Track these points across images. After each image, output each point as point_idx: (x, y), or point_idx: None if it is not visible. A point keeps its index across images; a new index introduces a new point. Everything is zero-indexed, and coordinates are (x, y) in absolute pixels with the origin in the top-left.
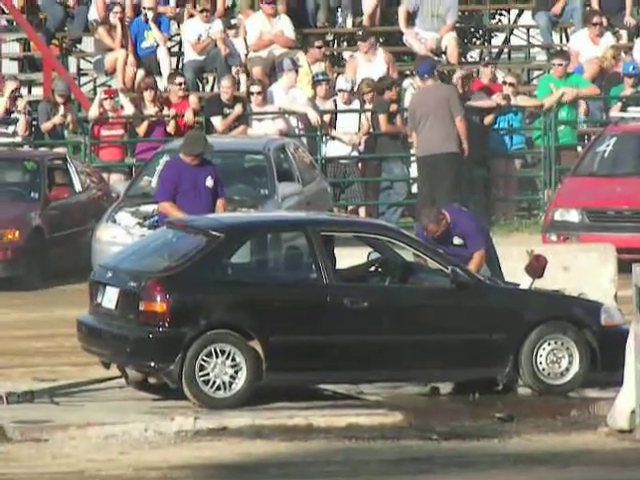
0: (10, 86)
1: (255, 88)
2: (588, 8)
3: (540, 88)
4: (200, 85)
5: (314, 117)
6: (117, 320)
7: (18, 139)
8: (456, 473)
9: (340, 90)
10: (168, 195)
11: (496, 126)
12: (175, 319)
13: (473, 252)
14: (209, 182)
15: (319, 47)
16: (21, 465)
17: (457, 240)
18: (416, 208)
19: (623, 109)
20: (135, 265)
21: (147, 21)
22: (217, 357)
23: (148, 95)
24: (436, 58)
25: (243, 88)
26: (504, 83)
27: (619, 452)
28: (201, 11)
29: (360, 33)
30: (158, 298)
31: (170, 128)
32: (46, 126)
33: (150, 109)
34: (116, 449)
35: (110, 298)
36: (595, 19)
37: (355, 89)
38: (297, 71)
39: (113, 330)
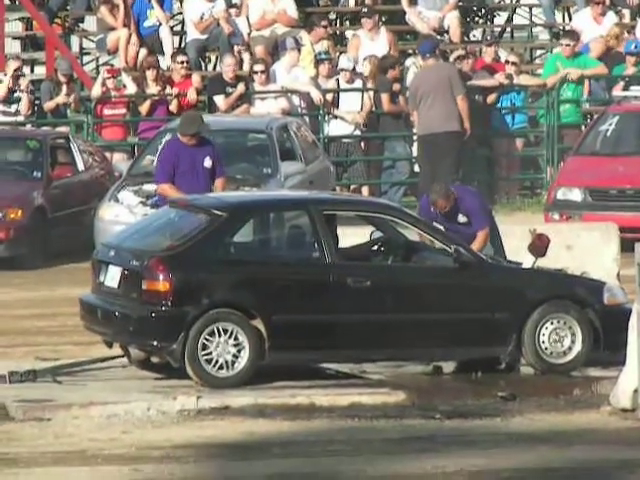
0: (13, 65)
1: (258, 67)
2: None
3: (547, 67)
4: (203, 64)
5: (317, 96)
6: (120, 299)
7: (21, 118)
8: (459, 452)
9: (342, 69)
10: (167, 176)
11: (499, 105)
12: (178, 298)
13: (477, 230)
14: (207, 162)
15: (324, 27)
16: (24, 444)
17: (462, 218)
18: (418, 187)
19: (626, 88)
20: (138, 244)
21: (150, 0)
22: (220, 336)
23: (150, 74)
24: (439, 37)
25: (246, 67)
26: (507, 62)
27: (622, 431)
28: None
29: (365, 10)
30: (161, 277)
31: (173, 107)
32: (49, 105)
33: (152, 88)
34: (119, 428)
35: (113, 277)
36: None
37: (358, 68)
38: (299, 50)
39: (116, 309)
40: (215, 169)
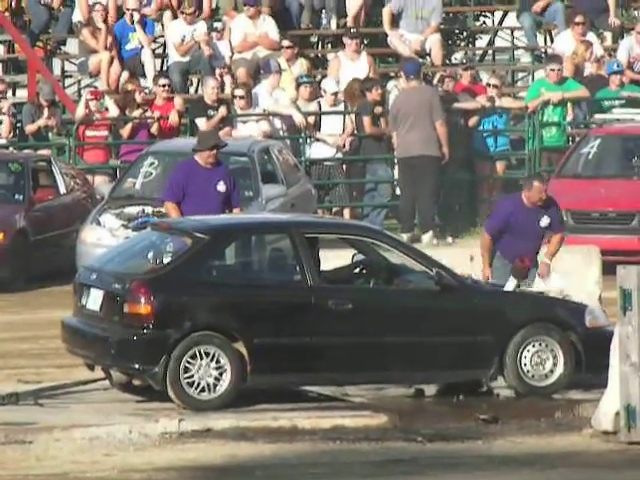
0: None
1: (238, 92)
2: (571, 9)
3: (530, 92)
4: (185, 87)
5: (299, 118)
6: (101, 322)
7: (2, 141)
8: (441, 475)
9: (329, 92)
10: (174, 196)
11: (480, 128)
12: (159, 321)
13: (556, 233)
14: (221, 187)
15: (288, 47)
16: (5, 467)
17: (545, 220)
18: (399, 209)
19: (608, 110)
20: (119, 267)
21: (133, 22)
22: (201, 359)
23: (139, 97)
24: (420, 60)
25: (228, 90)
26: (488, 85)
27: (604, 454)
28: (185, 13)
29: (352, 31)
30: (142, 300)
31: (154, 130)
32: (30, 128)
33: (135, 111)
34: (101, 451)
35: (94, 300)
36: (578, 19)
37: (340, 90)
38: (281, 72)
39: (97, 332)
40: (230, 195)
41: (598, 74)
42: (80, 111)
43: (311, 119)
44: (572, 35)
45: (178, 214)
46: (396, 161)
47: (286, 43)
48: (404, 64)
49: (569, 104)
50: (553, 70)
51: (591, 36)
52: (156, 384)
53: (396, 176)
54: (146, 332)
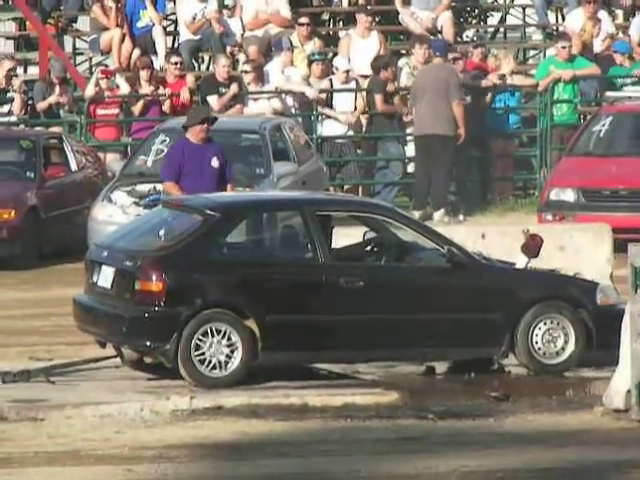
0: (6, 65)
1: (251, 67)
2: None
3: (540, 69)
4: (196, 65)
5: (312, 94)
6: (113, 299)
7: (14, 118)
8: (451, 452)
9: (344, 71)
10: (172, 174)
11: (492, 106)
12: (171, 298)
13: None
14: (215, 162)
15: (302, 24)
16: (17, 444)
17: None
18: (413, 186)
19: (619, 89)
20: (131, 244)
21: (143, 0)
22: (213, 336)
23: (144, 74)
24: (432, 37)
25: (239, 67)
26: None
27: (615, 432)
28: None
29: (367, 7)
30: (154, 277)
31: (166, 107)
32: (42, 105)
33: (146, 88)
34: (112, 428)
35: (106, 277)
36: None
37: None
38: (293, 50)
39: (109, 309)
40: (224, 170)
41: (609, 52)
42: (90, 89)
43: (323, 96)
44: (583, 13)
45: (179, 191)
46: (409, 139)
47: (303, 20)
48: (432, 41)
49: (580, 81)
50: (564, 47)
51: (602, 14)
52: (167, 362)
53: (408, 154)
54: (157, 309)
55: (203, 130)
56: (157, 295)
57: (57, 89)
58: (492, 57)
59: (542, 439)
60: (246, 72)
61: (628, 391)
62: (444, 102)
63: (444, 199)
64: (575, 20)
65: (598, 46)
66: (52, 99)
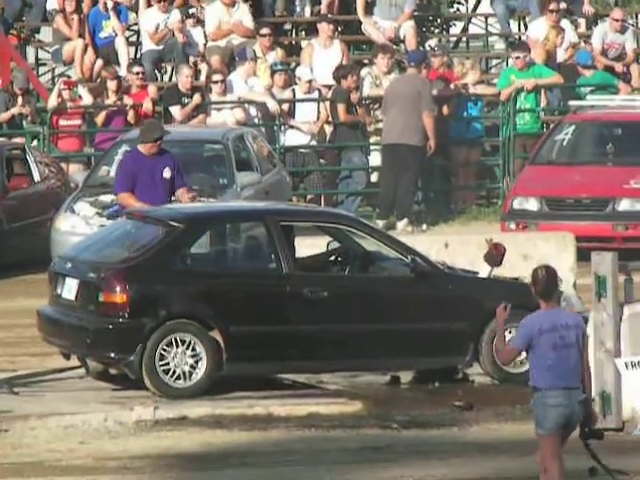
0: None
1: (217, 77)
2: None
3: (501, 80)
4: (159, 75)
5: (273, 106)
6: (77, 311)
7: None
8: (416, 462)
9: (304, 79)
10: (126, 186)
11: (455, 115)
12: (135, 310)
13: None
14: (167, 173)
15: (264, 35)
16: None
17: None
18: (379, 195)
19: (582, 97)
20: (94, 256)
21: (107, 10)
22: (177, 347)
23: (112, 85)
24: (394, 47)
25: (202, 78)
26: (462, 75)
27: (578, 441)
28: (159, 1)
29: (328, 16)
30: (118, 289)
31: (130, 117)
32: (4, 116)
33: (112, 98)
34: (76, 439)
35: (70, 289)
36: (552, 6)
37: (313, 77)
38: (255, 60)
39: (73, 321)
40: (174, 180)
41: (572, 62)
42: (53, 100)
43: (285, 106)
44: (546, 22)
45: (135, 201)
46: (373, 148)
47: (265, 31)
48: (410, 52)
49: (542, 91)
50: (518, 57)
51: (565, 23)
52: (132, 373)
53: (371, 163)
54: (122, 321)
55: (155, 146)
56: (121, 307)
57: (20, 100)
58: (459, 65)
59: (506, 448)
60: (220, 82)
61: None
62: (415, 112)
63: (409, 208)
64: (538, 29)
65: (561, 55)
66: (15, 110)
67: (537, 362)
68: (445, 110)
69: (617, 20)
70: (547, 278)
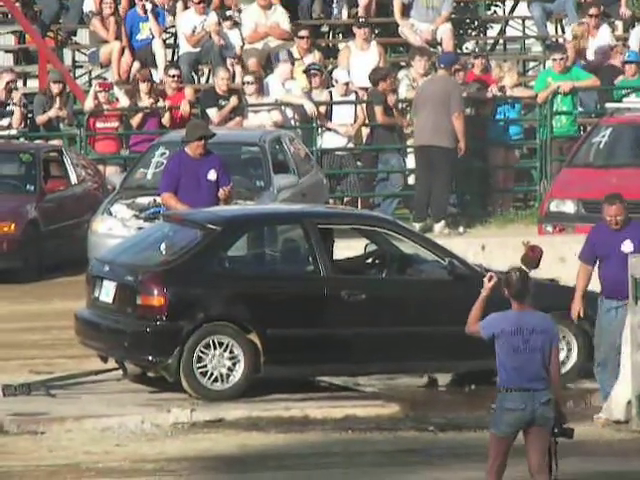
0: (5, 78)
1: (251, 79)
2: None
3: (538, 82)
4: (195, 77)
5: (310, 108)
6: (115, 314)
7: (13, 131)
8: (453, 465)
9: (343, 82)
10: (170, 187)
11: (493, 117)
12: (172, 313)
13: None
14: (212, 175)
15: (302, 37)
16: (18, 458)
17: (629, 246)
18: (413, 198)
19: (619, 100)
20: (132, 259)
21: (145, 12)
22: (215, 349)
23: (144, 87)
24: (432, 49)
25: (238, 80)
26: (499, 78)
27: (615, 443)
28: (197, 3)
29: (361, 20)
30: (155, 292)
31: (165, 120)
32: (41, 119)
33: (145, 101)
34: (113, 441)
35: (107, 292)
36: (592, 10)
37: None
38: (293, 63)
39: (111, 324)
40: (219, 182)
41: (611, 63)
42: (89, 103)
43: (322, 109)
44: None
45: (177, 203)
46: (409, 150)
47: (303, 33)
48: (441, 54)
49: (579, 93)
50: (555, 60)
51: (605, 28)
52: (169, 376)
53: (408, 165)
54: (159, 324)
55: (200, 146)
56: (159, 310)
57: (57, 101)
58: (497, 67)
59: None
60: (248, 83)
61: (628, 402)
62: (444, 114)
63: (444, 211)
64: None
65: (591, 54)
66: (52, 113)
67: (499, 362)
68: (483, 113)
69: None
70: (520, 280)
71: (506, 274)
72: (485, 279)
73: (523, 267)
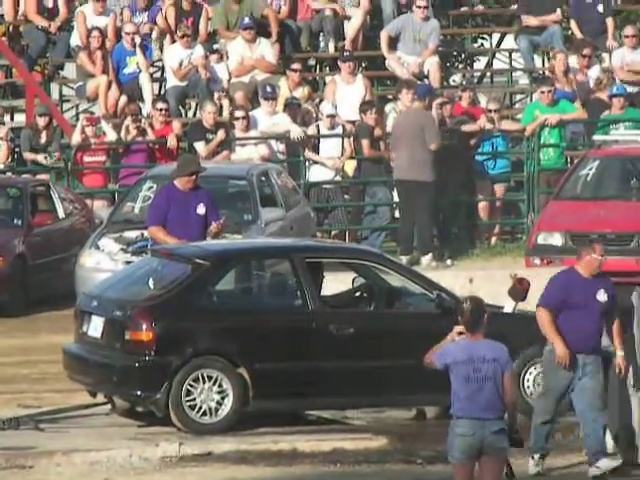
0: None
1: (239, 113)
2: (571, 32)
3: (525, 115)
4: (183, 111)
5: (297, 132)
6: (103, 349)
7: (0, 166)
8: None
9: (328, 116)
10: (157, 220)
11: (480, 150)
12: (161, 347)
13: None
14: (200, 209)
15: (295, 70)
16: None
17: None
18: (399, 230)
19: (606, 132)
20: (120, 294)
21: (134, 46)
22: (204, 383)
23: (132, 121)
24: (419, 82)
25: (226, 113)
26: (488, 111)
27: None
28: (182, 37)
29: (345, 54)
30: (144, 327)
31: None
32: (28, 157)
33: (132, 135)
34: (101, 475)
35: (96, 327)
36: (586, 51)
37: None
38: (275, 98)
39: (99, 359)
40: (208, 216)
41: (598, 97)
42: (76, 137)
43: (310, 138)
44: (577, 63)
45: (165, 235)
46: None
47: (295, 66)
48: (418, 85)
49: (568, 125)
50: (543, 92)
51: (596, 69)
52: (158, 411)
53: (395, 198)
54: (148, 359)
55: (191, 181)
56: (147, 344)
57: (43, 135)
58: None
59: None
60: (242, 118)
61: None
62: (420, 147)
63: (429, 244)
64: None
65: (581, 90)
66: (40, 158)
67: (453, 390)
68: (469, 145)
69: (629, 37)
70: (472, 310)
71: (459, 304)
72: (455, 330)
73: (511, 299)
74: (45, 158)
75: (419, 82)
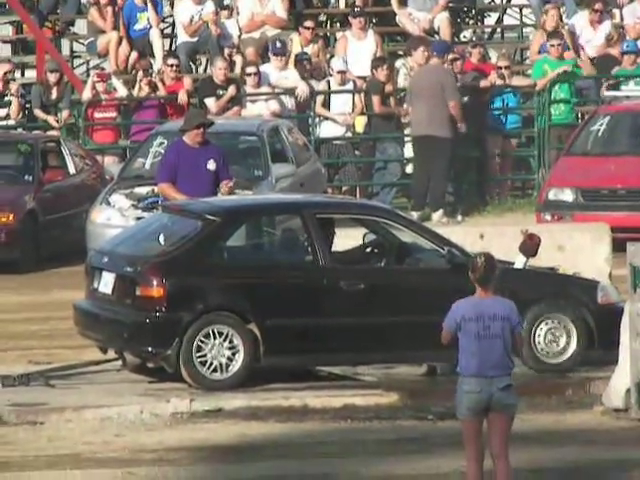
0: (3, 69)
1: (251, 69)
2: None
3: (535, 70)
4: (193, 67)
5: (303, 90)
6: (114, 305)
7: (11, 122)
8: (452, 453)
9: (339, 71)
10: (167, 177)
11: (492, 106)
12: (172, 303)
13: None
14: (211, 165)
15: (307, 28)
16: (17, 448)
17: None
18: (411, 187)
19: (615, 88)
20: (131, 250)
21: (145, 2)
22: (215, 339)
23: (143, 77)
24: (429, 38)
25: (237, 69)
26: (498, 68)
27: (614, 431)
28: None
29: (356, 10)
30: (154, 283)
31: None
32: (39, 115)
33: (144, 91)
34: (112, 431)
35: (106, 283)
36: (597, 6)
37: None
38: (285, 53)
39: (110, 315)
40: (219, 172)
41: (608, 53)
42: (87, 93)
43: (320, 98)
44: (587, 18)
45: (175, 192)
46: (407, 139)
47: (308, 24)
48: (434, 42)
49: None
50: (553, 46)
51: (607, 24)
52: (169, 367)
53: (406, 154)
54: (158, 315)
55: (199, 134)
56: (158, 300)
57: (54, 91)
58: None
59: (541, 439)
60: (253, 74)
61: (627, 390)
62: (440, 104)
63: (442, 200)
64: (578, 22)
65: (594, 49)
66: (51, 120)
67: (462, 348)
68: (481, 101)
69: None
70: (486, 266)
71: (472, 259)
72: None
73: (521, 255)
74: (56, 121)
75: (433, 39)
